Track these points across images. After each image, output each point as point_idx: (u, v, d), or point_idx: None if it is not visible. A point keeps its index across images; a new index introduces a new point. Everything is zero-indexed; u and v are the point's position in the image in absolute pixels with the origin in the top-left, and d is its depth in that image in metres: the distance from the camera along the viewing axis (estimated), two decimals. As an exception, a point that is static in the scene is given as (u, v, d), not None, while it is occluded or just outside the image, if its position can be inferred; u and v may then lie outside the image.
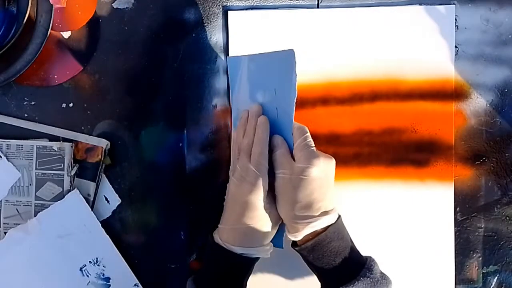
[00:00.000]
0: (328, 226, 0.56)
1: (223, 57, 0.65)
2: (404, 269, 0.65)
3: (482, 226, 0.66)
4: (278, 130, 0.58)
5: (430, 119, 0.65)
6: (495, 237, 0.66)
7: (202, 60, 0.65)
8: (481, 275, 0.66)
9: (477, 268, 0.66)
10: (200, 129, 0.65)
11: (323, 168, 0.56)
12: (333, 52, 0.64)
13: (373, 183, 0.65)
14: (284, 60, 0.57)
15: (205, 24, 0.65)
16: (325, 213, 0.56)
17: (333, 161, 0.57)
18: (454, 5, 0.64)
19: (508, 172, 0.66)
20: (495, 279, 0.66)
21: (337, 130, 0.65)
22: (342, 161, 0.65)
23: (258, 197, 0.56)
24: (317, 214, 0.55)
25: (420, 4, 0.64)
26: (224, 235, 0.58)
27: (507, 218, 0.66)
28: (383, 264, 0.58)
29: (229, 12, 0.64)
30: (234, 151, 0.61)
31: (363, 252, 0.58)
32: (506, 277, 0.66)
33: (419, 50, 0.64)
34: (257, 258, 0.58)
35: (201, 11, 0.65)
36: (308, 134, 0.57)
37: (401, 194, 0.65)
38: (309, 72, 0.64)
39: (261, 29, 0.64)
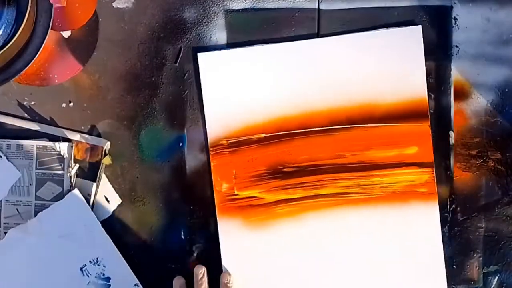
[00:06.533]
0: None
1: (223, 57, 0.65)
2: None
3: (483, 226, 0.66)
4: None
5: (407, 141, 0.65)
6: (496, 237, 0.66)
7: (202, 59, 0.65)
8: (482, 275, 0.66)
9: (477, 268, 0.66)
10: (200, 129, 0.65)
11: None
12: (307, 82, 0.64)
13: (357, 209, 0.65)
14: None
15: (205, 24, 0.65)
16: None
17: None
18: (420, 26, 0.64)
19: (508, 172, 0.66)
20: (495, 279, 0.66)
21: (317, 159, 0.65)
22: (326, 190, 0.65)
23: None
24: None
25: (387, 27, 0.64)
26: None
27: (508, 218, 0.66)
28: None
29: (199, 54, 0.64)
30: None
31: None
32: (506, 277, 0.66)
33: (391, 73, 0.64)
34: None
35: (201, 10, 0.65)
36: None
37: (386, 217, 0.65)
38: (285, 105, 0.64)
39: (233, 69, 0.64)
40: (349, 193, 0.65)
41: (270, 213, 0.65)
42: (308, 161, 0.65)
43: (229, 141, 0.65)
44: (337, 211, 0.65)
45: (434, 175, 0.65)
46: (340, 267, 0.65)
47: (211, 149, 0.65)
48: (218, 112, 0.64)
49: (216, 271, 0.65)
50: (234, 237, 0.65)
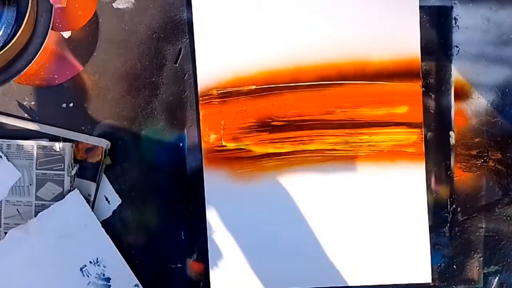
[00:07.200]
0: None
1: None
2: (379, 253, 0.65)
3: (483, 226, 0.66)
4: None
5: (398, 100, 0.65)
6: (496, 237, 0.66)
7: (202, 60, 0.65)
8: (482, 275, 0.66)
9: (478, 268, 0.66)
10: (200, 129, 0.65)
11: None
12: (299, 35, 0.64)
13: (344, 166, 0.65)
14: None
15: (205, 24, 0.65)
16: None
17: None
18: None
19: (509, 172, 0.66)
20: (496, 280, 0.66)
21: (306, 114, 0.65)
22: (313, 146, 0.65)
23: None
24: None
25: None
26: None
27: (508, 218, 0.66)
28: (355, 249, 0.62)
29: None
30: None
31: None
32: (507, 277, 0.66)
33: (384, 29, 0.64)
34: None
35: (201, 11, 0.65)
36: None
37: (373, 176, 0.65)
38: (277, 58, 0.64)
39: (226, 17, 0.64)
40: (336, 150, 0.65)
41: (257, 166, 0.65)
42: (298, 115, 0.65)
43: (219, 91, 0.64)
44: (324, 167, 0.65)
45: (423, 136, 0.65)
46: (324, 222, 0.65)
47: (200, 98, 0.64)
48: (209, 62, 0.64)
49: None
50: (219, 189, 0.64)
